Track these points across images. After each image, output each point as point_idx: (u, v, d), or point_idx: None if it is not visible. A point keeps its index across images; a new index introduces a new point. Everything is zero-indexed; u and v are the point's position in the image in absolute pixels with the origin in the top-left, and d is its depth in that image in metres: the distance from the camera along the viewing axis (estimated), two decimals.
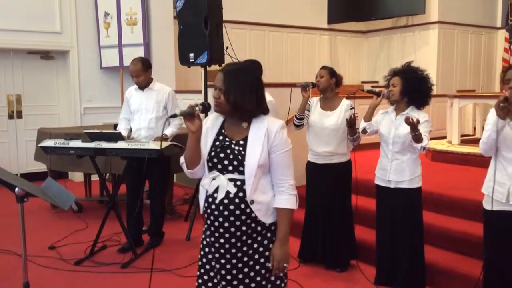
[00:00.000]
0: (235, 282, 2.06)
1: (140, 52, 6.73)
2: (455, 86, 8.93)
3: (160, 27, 7.26)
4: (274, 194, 2.06)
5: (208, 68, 4.95)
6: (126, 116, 4.48)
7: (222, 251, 2.06)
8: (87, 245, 4.28)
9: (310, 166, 3.92)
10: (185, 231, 4.69)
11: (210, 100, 4.57)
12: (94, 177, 6.02)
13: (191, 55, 4.79)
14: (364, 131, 3.56)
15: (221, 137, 2.08)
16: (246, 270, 2.06)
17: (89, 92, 7.30)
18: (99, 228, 4.17)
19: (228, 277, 2.06)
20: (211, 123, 2.14)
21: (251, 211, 2.01)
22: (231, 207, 2.00)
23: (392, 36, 9.72)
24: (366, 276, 3.64)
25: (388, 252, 3.45)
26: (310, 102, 3.89)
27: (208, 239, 2.12)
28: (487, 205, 2.75)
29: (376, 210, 3.55)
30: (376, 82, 9.63)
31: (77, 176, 7.02)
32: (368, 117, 3.52)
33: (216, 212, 2.03)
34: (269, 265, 2.06)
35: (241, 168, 2.01)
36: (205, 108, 2.07)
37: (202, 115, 2.04)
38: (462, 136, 6.70)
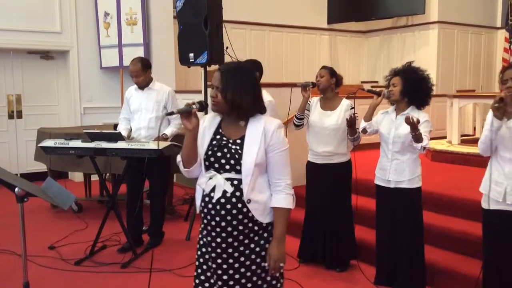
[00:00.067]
0: (231, 282, 2.06)
1: (140, 52, 6.72)
2: (455, 86, 8.93)
3: (160, 27, 7.25)
4: (271, 194, 2.06)
5: (208, 68, 4.94)
6: (126, 116, 4.48)
7: (218, 250, 2.05)
8: (87, 245, 4.28)
9: (310, 166, 3.92)
10: (185, 231, 4.70)
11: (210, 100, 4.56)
12: (94, 177, 6.01)
13: (191, 55, 4.79)
14: (364, 131, 3.56)
15: (218, 136, 2.09)
16: (242, 270, 2.06)
17: (89, 92, 7.30)
18: (99, 228, 4.17)
19: (225, 277, 2.06)
20: (209, 122, 2.14)
21: (248, 211, 2.01)
22: (228, 206, 2.00)
23: (392, 36, 9.71)
24: (366, 276, 3.64)
25: (388, 252, 3.45)
26: (310, 102, 3.89)
27: (205, 239, 2.11)
28: (484, 204, 2.77)
29: (376, 210, 3.55)
30: (376, 82, 9.62)
31: (77, 176, 7.02)
32: (368, 117, 3.52)
33: (213, 212, 2.03)
34: (266, 265, 2.05)
35: (238, 167, 2.00)
36: (202, 107, 2.07)
37: (200, 114, 2.04)
38: (462, 136, 6.69)
